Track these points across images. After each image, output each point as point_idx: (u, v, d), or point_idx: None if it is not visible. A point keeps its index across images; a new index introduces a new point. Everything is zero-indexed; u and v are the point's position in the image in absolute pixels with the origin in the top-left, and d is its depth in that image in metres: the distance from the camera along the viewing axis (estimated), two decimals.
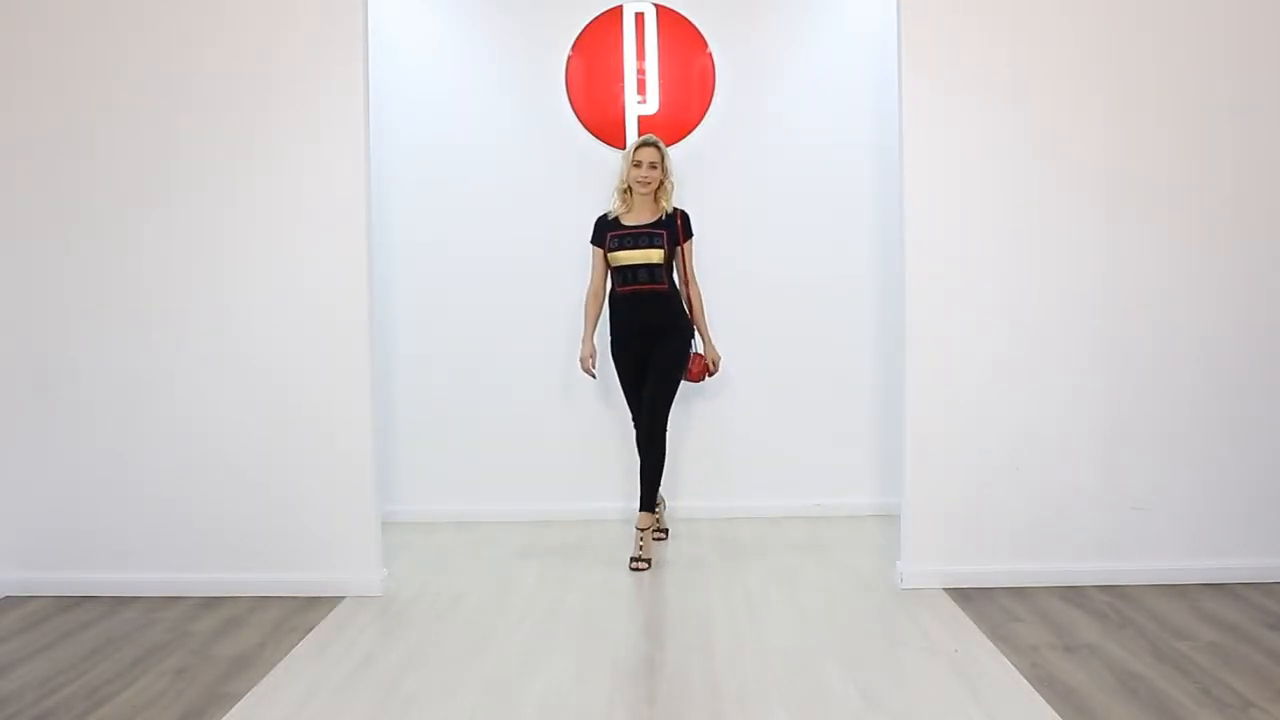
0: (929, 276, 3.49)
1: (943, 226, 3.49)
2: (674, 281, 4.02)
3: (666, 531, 4.26)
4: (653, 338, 3.99)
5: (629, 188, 4.01)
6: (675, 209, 4.04)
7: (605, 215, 4.05)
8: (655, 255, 3.96)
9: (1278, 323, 3.50)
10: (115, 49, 3.53)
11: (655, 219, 4.01)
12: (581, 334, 4.10)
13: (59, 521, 3.61)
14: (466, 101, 4.62)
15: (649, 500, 3.95)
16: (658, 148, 4.00)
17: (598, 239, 4.05)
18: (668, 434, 4.01)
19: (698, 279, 4.07)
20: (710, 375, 4.13)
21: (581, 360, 4.08)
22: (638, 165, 3.96)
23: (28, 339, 3.56)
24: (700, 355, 4.09)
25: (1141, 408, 3.51)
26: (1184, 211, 3.49)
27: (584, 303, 4.10)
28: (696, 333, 4.07)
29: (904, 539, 3.56)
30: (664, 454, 4.00)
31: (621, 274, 3.99)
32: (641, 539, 3.88)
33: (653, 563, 3.87)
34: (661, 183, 4.01)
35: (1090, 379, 3.51)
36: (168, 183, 3.51)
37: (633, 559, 3.84)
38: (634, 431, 4.07)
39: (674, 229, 4.01)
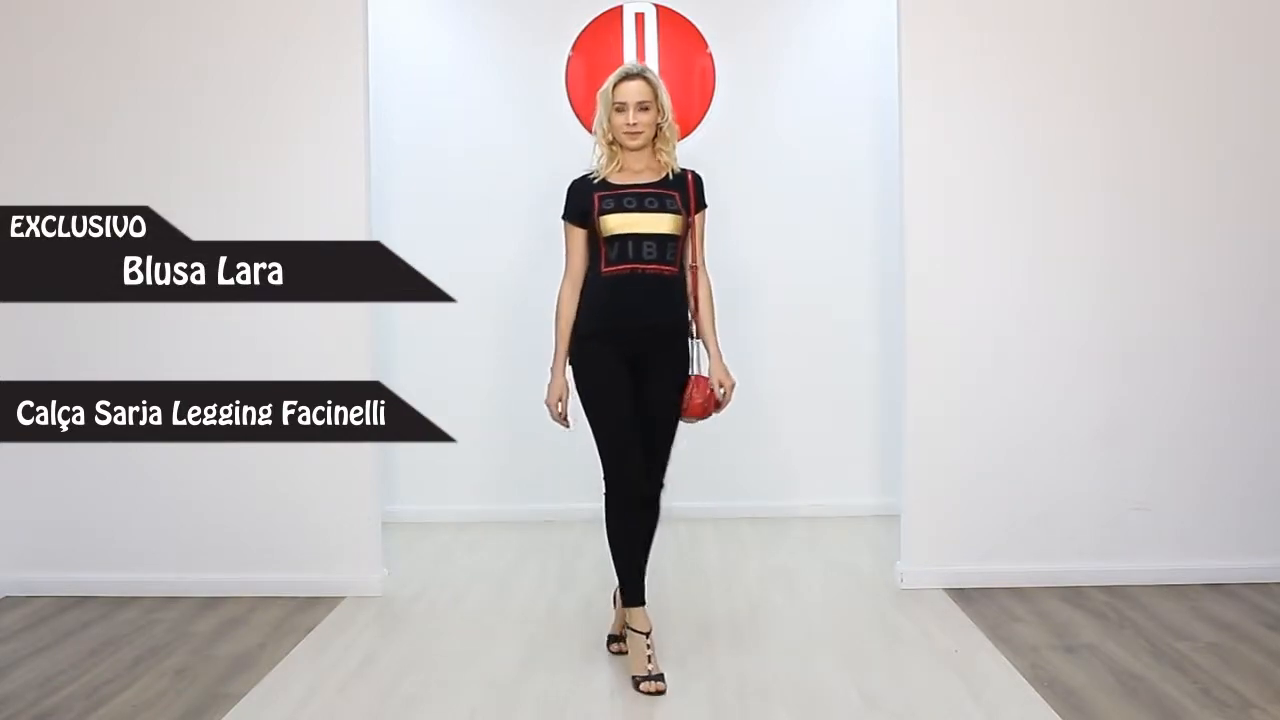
0: (929, 276, 3.49)
1: (942, 226, 3.49)
2: (684, 266, 2.89)
3: (663, 678, 2.74)
4: (656, 345, 2.82)
5: (614, 139, 2.86)
6: (685, 169, 2.91)
7: (585, 176, 2.89)
8: (668, 223, 2.78)
9: (1278, 322, 3.50)
10: (117, 52, 3.53)
11: (659, 178, 2.87)
12: (553, 357, 2.93)
13: (59, 521, 3.61)
14: (466, 101, 4.62)
15: (639, 588, 2.84)
16: (647, 80, 2.83)
17: (576, 210, 2.85)
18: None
19: (708, 268, 2.95)
20: (718, 410, 2.87)
21: (549, 402, 2.92)
22: (621, 109, 2.81)
23: (28, 337, 3.56)
24: (704, 379, 2.85)
25: (1141, 408, 3.51)
26: (1183, 211, 3.49)
27: (556, 307, 2.92)
28: (700, 346, 2.90)
29: (904, 539, 3.55)
30: (657, 523, 2.91)
31: (618, 248, 2.78)
32: (649, 647, 2.75)
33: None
34: (659, 129, 2.85)
35: (1090, 379, 3.51)
36: (169, 182, 3.50)
37: (640, 679, 2.71)
38: (610, 500, 2.84)
39: (685, 193, 2.85)
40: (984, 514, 3.52)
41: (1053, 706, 2.55)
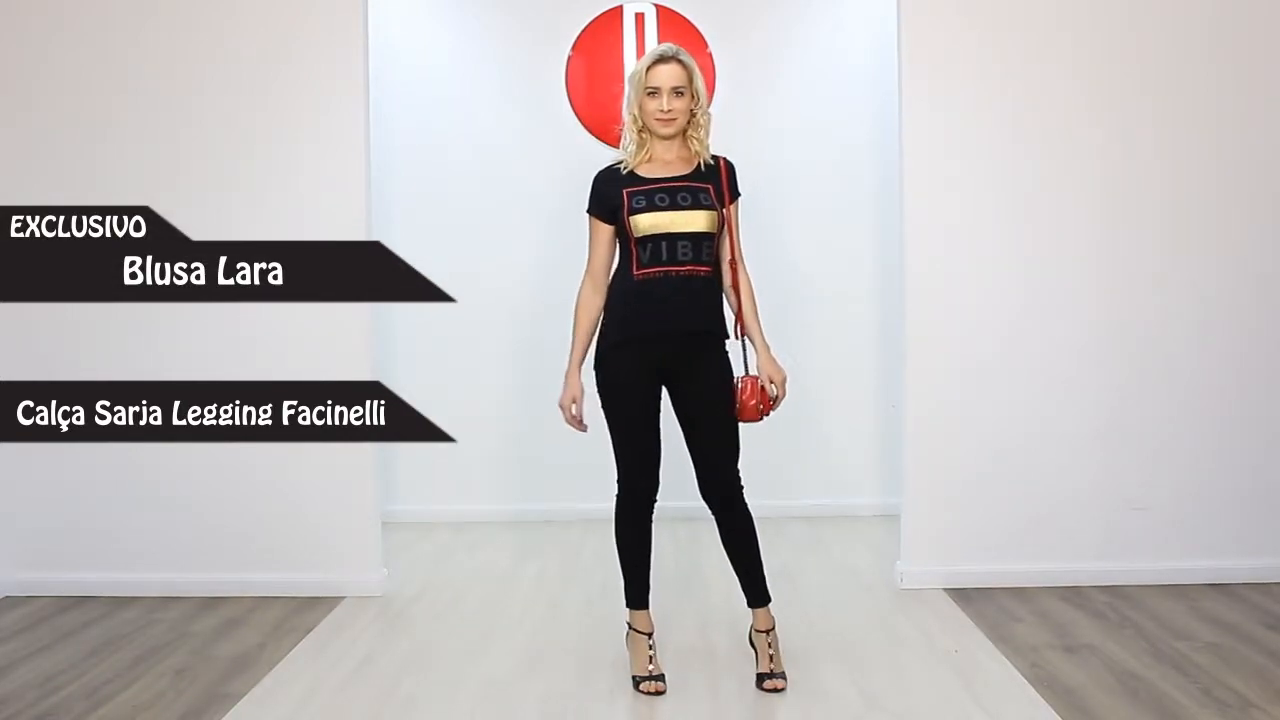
0: (928, 276, 3.49)
1: (942, 226, 3.49)
2: (719, 264, 2.72)
3: (784, 676, 2.73)
4: (692, 350, 2.66)
5: (645, 126, 2.67)
6: (716, 156, 2.73)
7: (612, 167, 2.71)
8: (703, 220, 2.62)
9: (1277, 322, 3.50)
10: (117, 52, 3.53)
11: (691, 169, 2.69)
12: (568, 360, 2.73)
13: (59, 521, 3.61)
14: (466, 101, 4.62)
15: (760, 587, 2.75)
16: (680, 62, 2.63)
17: (603, 205, 2.68)
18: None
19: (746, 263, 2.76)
20: (773, 409, 2.71)
21: (561, 405, 2.74)
22: (653, 93, 2.62)
23: (28, 337, 3.56)
24: (753, 379, 2.68)
25: (1141, 408, 3.51)
26: (1183, 211, 3.49)
27: (575, 305, 2.74)
28: (747, 343, 2.72)
29: (904, 539, 3.55)
30: (753, 520, 2.74)
31: (650, 249, 2.62)
32: (651, 648, 2.75)
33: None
34: (692, 114, 2.67)
35: (1090, 379, 3.52)
36: (170, 183, 3.50)
37: (640, 679, 2.70)
38: (623, 507, 2.79)
39: (719, 184, 2.68)
40: (984, 514, 3.52)
41: (1053, 706, 2.55)
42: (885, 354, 4.53)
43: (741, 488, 2.71)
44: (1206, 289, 3.50)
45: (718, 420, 2.68)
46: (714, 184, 2.67)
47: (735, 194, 2.72)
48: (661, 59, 2.64)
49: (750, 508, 2.73)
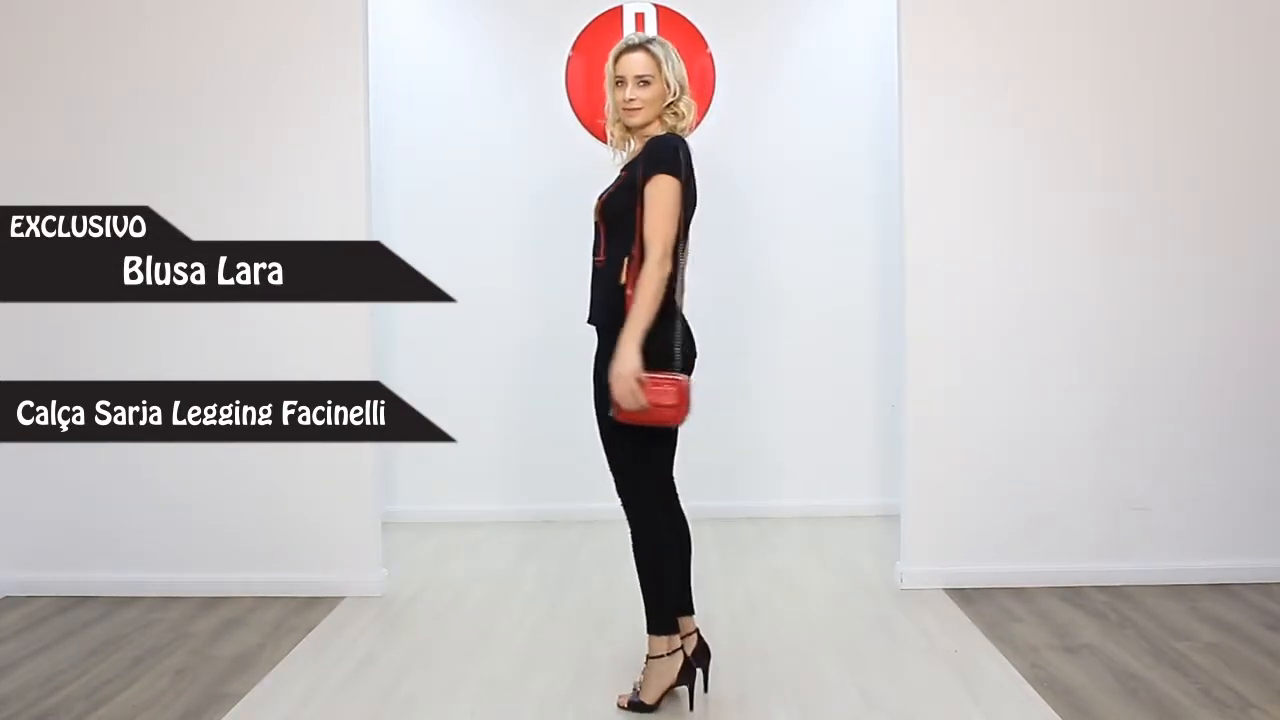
0: (928, 276, 3.49)
1: (942, 227, 3.49)
2: (613, 254, 2.50)
3: (639, 705, 2.56)
4: (599, 344, 2.54)
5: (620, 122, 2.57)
6: (662, 134, 2.50)
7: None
8: (596, 211, 2.55)
9: (1278, 322, 3.50)
10: (117, 52, 3.53)
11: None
12: None
13: (59, 521, 3.61)
14: (466, 102, 4.62)
15: (647, 614, 2.57)
16: (648, 51, 2.49)
17: None
18: (639, 508, 2.59)
19: (658, 251, 2.39)
20: (620, 410, 2.41)
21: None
22: (620, 83, 2.51)
23: (28, 337, 3.56)
24: (653, 380, 2.39)
25: (1141, 408, 3.51)
26: (1182, 211, 3.49)
27: None
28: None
29: (904, 539, 3.56)
30: (642, 545, 2.56)
31: None
32: (643, 671, 2.60)
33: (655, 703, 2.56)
34: (671, 104, 2.51)
35: (1090, 379, 3.52)
36: (169, 183, 3.50)
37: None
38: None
39: (634, 166, 2.49)
40: (984, 514, 3.52)
41: (1053, 706, 2.55)
42: (884, 354, 4.53)
43: (627, 504, 2.57)
44: (1206, 289, 3.50)
45: (598, 421, 2.56)
46: (632, 168, 2.50)
47: (649, 172, 2.42)
48: (628, 48, 2.52)
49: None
